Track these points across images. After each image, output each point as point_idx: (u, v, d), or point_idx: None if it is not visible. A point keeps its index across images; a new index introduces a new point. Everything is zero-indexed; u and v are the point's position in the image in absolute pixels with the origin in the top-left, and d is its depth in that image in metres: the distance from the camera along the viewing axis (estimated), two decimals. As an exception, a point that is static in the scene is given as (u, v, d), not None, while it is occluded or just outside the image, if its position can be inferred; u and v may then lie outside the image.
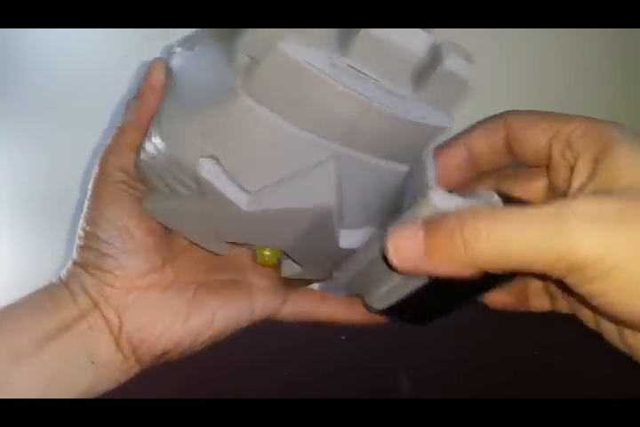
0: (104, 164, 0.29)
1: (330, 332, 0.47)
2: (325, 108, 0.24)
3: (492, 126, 0.27)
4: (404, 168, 0.28)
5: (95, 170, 0.29)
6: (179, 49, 0.31)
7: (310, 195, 0.26)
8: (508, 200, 0.22)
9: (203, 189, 0.26)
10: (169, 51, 0.31)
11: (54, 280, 0.30)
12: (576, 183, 0.23)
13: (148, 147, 0.28)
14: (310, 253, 0.29)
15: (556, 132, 0.25)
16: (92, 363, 0.28)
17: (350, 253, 0.28)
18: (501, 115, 0.27)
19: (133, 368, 0.29)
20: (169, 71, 0.30)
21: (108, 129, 0.48)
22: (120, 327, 0.28)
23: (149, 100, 0.29)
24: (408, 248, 0.22)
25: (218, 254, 0.30)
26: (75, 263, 0.29)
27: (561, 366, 0.49)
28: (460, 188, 0.29)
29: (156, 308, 0.29)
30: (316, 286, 0.35)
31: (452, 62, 0.25)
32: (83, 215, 0.29)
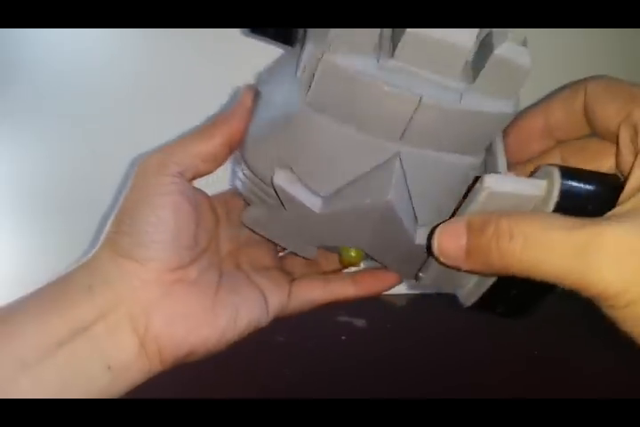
0: (166, 157, 0.29)
1: (330, 332, 0.47)
2: (379, 109, 0.25)
3: (570, 95, 0.27)
4: (470, 160, 0.28)
5: (148, 162, 0.29)
6: (265, 75, 0.33)
7: (371, 192, 0.27)
8: (573, 177, 0.23)
9: (282, 197, 0.29)
10: (258, 77, 0.33)
11: (64, 275, 0.28)
12: (633, 180, 0.23)
13: (241, 167, 0.31)
14: (388, 251, 0.30)
15: (628, 114, 0.24)
16: (109, 368, 0.26)
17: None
18: (583, 82, 0.26)
19: (155, 369, 0.28)
20: (257, 96, 0.31)
21: (108, 129, 0.48)
22: (147, 324, 0.27)
23: (228, 123, 0.30)
24: (451, 247, 0.23)
25: (308, 259, 0.33)
26: (100, 250, 0.28)
27: (562, 364, 0.49)
28: (537, 158, 0.29)
29: (184, 304, 0.28)
30: (403, 287, 0.35)
31: (503, 49, 0.25)
32: (123, 198, 0.29)
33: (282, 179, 0.28)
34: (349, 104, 0.26)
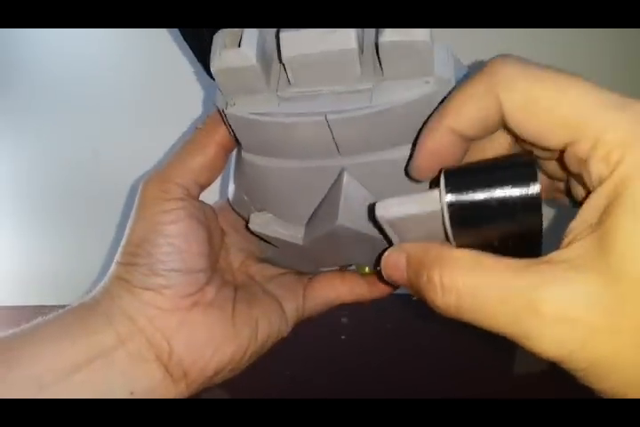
0: (165, 180, 0.28)
1: (330, 332, 0.47)
2: (298, 140, 0.25)
3: (482, 105, 0.21)
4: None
5: (149, 185, 0.29)
6: None
7: (326, 218, 0.27)
8: (462, 178, 0.20)
9: (265, 238, 0.29)
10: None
11: (86, 300, 0.28)
12: (586, 213, 0.19)
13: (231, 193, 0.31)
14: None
15: (571, 142, 0.19)
16: (131, 393, 0.26)
17: None
18: (490, 81, 0.20)
19: (181, 393, 0.28)
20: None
21: (108, 128, 0.48)
22: (170, 350, 0.27)
23: (215, 130, 0.29)
24: (396, 278, 0.23)
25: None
26: (115, 281, 0.28)
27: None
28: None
29: (204, 327, 0.28)
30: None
31: (387, 34, 0.23)
32: (130, 231, 0.28)
33: (256, 223, 0.29)
34: (273, 143, 0.26)
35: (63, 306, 0.28)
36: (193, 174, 0.29)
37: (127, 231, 0.28)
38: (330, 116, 0.24)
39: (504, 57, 0.21)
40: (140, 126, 0.48)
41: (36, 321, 0.27)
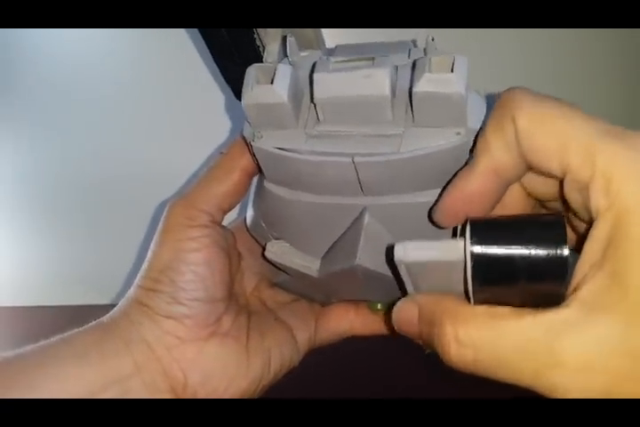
0: (190, 206, 0.28)
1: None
2: (324, 177, 0.25)
3: (504, 135, 0.21)
4: (439, 191, 0.26)
5: (173, 210, 0.29)
6: None
7: (344, 256, 0.27)
8: (490, 232, 0.20)
9: (280, 267, 0.30)
10: None
11: (104, 320, 0.28)
12: (587, 259, 0.19)
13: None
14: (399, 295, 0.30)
15: (570, 168, 0.19)
16: None
17: None
18: (505, 113, 0.21)
19: None
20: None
21: (109, 128, 0.48)
22: (185, 383, 0.27)
23: (240, 156, 0.29)
24: (408, 331, 0.23)
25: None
26: (135, 305, 0.28)
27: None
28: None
29: (219, 359, 0.28)
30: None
31: (422, 84, 0.23)
32: (153, 256, 0.28)
33: (272, 252, 0.29)
34: (298, 177, 0.26)
35: (63, 306, 0.28)
36: (217, 200, 0.29)
37: (150, 255, 0.28)
38: (357, 159, 0.24)
39: (513, 88, 0.21)
40: (140, 126, 0.48)
41: (54, 340, 0.27)
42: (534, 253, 0.19)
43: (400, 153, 0.24)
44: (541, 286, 0.20)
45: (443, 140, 0.24)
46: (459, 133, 0.24)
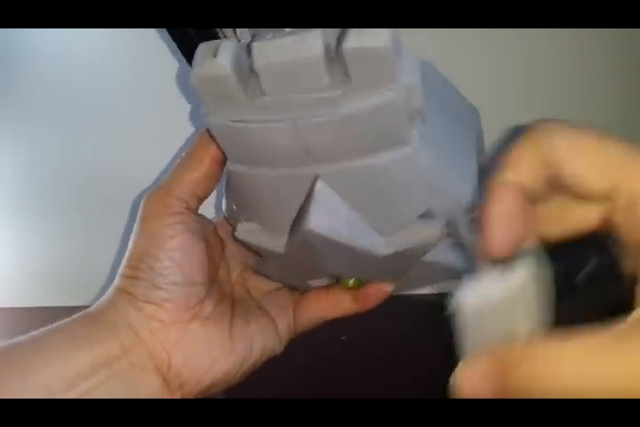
0: (166, 194, 0.29)
1: (330, 332, 0.47)
2: (272, 146, 0.26)
3: (536, 155, 0.20)
4: (395, 153, 0.26)
5: (150, 200, 0.30)
6: None
7: (299, 224, 0.28)
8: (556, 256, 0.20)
9: (250, 247, 0.30)
10: None
11: (92, 310, 0.29)
12: None
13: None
14: (368, 269, 0.31)
15: (615, 186, 0.19)
16: None
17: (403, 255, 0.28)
18: (538, 135, 0.21)
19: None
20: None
21: (108, 128, 0.48)
22: (169, 363, 0.28)
23: (208, 144, 0.30)
24: (482, 388, 0.20)
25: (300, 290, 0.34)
26: (119, 294, 0.29)
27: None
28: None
29: (202, 341, 0.29)
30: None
31: (351, 40, 0.23)
32: (133, 245, 0.29)
33: (241, 231, 0.30)
34: (250, 150, 0.27)
35: (62, 307, 0.28)
36: (190, 187, 0.30)
37: (130, 245, 0.29)
38: (301, 122, 0.25)
39: (544, 120, 0.21)
40: (140, 126, 0.48)
41: (45, 329, 0.28)
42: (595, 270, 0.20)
43: (336, 112, 0.24)
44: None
45: (375, 97, 0.24)
46: (390, 90, 0.24)
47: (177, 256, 0.28)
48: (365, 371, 0.45)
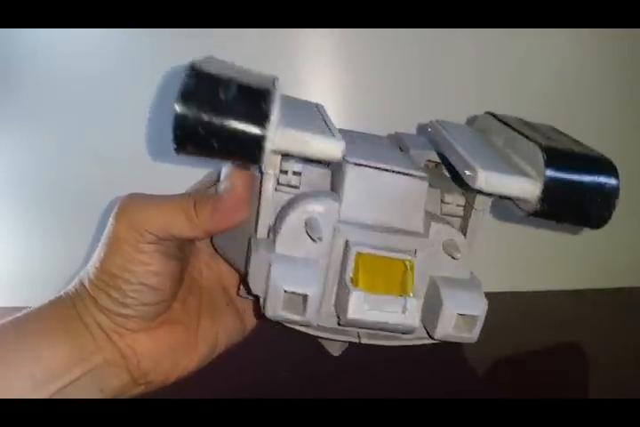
0: (151, 221, 0.27)
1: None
2: None
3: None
4: None
5: (133, 217, 0.27)
6: None
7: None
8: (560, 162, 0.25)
9: None
10: None
11: (65, 297, 0.29)
12: None
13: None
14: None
15: None
16: (101, 391, 0.28)
17: None
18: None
19: (141, 393, 0.30)
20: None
21: (109, 128, 0.48)
22: (137, 365, 0.29)
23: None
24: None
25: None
26: (88, 297, 0.28)
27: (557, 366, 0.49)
28: None
29: (170, 344, 0.29)
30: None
31: (451, 304, 0.26)
32: (105, 258, 0.27)
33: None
34: None
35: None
36: (179, 217, 0.27)
37: (102, 254, 0.27)
38: (363, 340, 0.29)
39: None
40: (140, 126, 0.48)
41: (25, 315, 0.28)
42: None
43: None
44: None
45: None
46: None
47: (150, 282, 0.27)
48: (365, 372, 0.45)
